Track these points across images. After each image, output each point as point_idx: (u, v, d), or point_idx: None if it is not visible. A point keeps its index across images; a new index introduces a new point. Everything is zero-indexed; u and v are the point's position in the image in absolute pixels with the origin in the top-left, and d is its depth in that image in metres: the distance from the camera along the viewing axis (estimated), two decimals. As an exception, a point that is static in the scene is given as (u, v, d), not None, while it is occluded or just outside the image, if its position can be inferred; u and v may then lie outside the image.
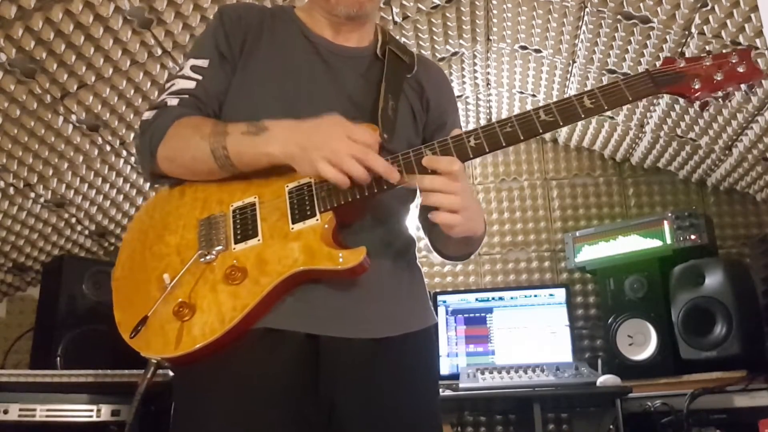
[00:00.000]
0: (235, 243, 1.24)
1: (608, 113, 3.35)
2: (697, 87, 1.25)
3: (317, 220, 1.23)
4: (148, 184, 3.11)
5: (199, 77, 1.37)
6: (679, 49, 2.59)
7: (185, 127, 1.30)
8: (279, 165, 1.24)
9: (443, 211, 1.19)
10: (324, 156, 1.17)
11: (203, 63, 1.38)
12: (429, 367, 1.44)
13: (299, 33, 1.44)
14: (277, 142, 1.22)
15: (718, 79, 1.25)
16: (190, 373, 1.23)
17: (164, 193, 1.37)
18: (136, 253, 1.32)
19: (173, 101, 1.34)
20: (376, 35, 1.50)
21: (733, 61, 1.25)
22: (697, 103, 1.27)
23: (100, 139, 2.72)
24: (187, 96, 1.35)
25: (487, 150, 1.23)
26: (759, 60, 2.43)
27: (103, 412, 2.41)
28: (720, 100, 1.26)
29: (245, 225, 1.26)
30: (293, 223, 1.24)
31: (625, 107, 3.22)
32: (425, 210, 1.44)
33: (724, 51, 1.28)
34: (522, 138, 1.23)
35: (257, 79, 1.38)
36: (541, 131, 1.23)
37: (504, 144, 1.23)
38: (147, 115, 1.35)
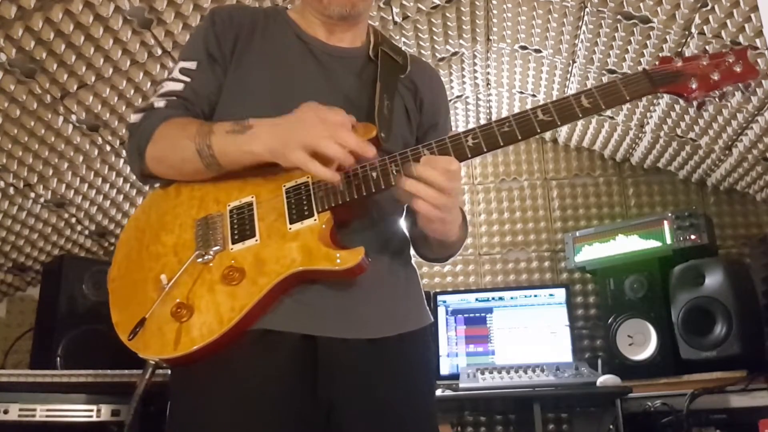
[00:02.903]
0: (233, 243, 1.24)
1: (608, 113, 3.35)
2: (694, 86, 1.25)
3: (315, 220, 1.23)
4: (147, 185, 3.10)
5: (188, 79, 1.37)
6: (679, 49, 2.58)
7: (172, 127, 1.30)
8: (264, 162, 1.24)
9: (429, 205, 1.19)
10: (299, 145, 1.17)
11: (191, 65, 1.38)
12: (425, 367, 1.44)
13: (292, 34, 1.44)
14: (259, 140, 1.22)
15: (715, 78, 1.25)
16: (188, 374, 1.23)
17: (160, 192, 1.37)
18: (132, 253, 1.32)
19: (160, 103, 1.35)
20: (369, 36, 1.50)
21: (730, 60, 1.25)
22: (695, 102, 1.27)
23: (100, 139, 2.72)
24: (174, 98, 1.36)
25: (485, 150, 1.23)
26: (759, 60, 2.43)
27: (103, 412, 2.41)
28: (717, 99, 1.26)
29: (242, 225, 1.26)
30: (291, 223, 1.24)
31: (624, 107, 3.22)
32: (410, 211, 1.44)
33: (721, 50, 1.28)
34: (520, 138, 1.23)
35: (250, 80, 1.38)
36: (539, 131, 1.23)
37: (502, 144, 1.23)
38: (135, 117, 1.36)
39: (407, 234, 1.49)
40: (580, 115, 1.23)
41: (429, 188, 1.18)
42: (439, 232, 1.27)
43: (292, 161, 1.19)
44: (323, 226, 1.22)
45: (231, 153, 1.25)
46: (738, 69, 1.24)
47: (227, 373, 1.20)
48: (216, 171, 1.28)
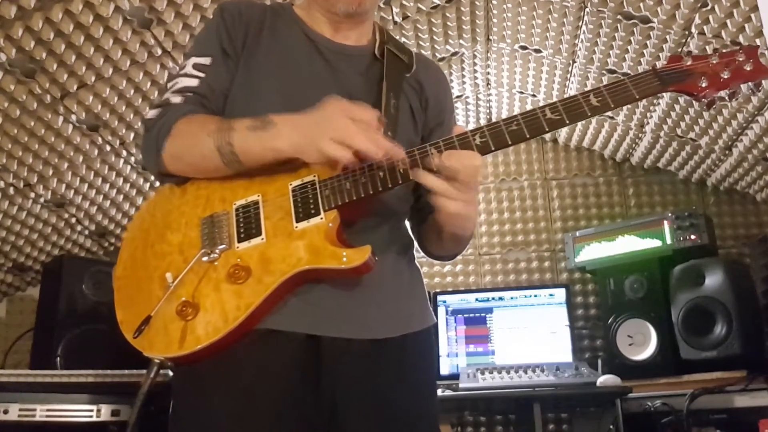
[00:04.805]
0: (239, 242, 1.24)
1: (609, 113, 3.35)
2: (704, 85, 1.24)
3: (321, 218, 1.22)
4: (148, 184, 3.11)
5: (203, 75, 1.36)
6: (679, 49, 2.59)
7: (191, 124, 1.29)
8: (285, 160, 1.24)
9: (451, 199, 1.20)
10: (329, 138, 1.16)
11: (206, 60, 1.37)
12: (428, 368, 1.44)
13: (299, 31, 1.44)
14: (283, 137, 1.21)
15: (725, 77, 1.23)
16: (191, 373, 1.23)
17: (166, 191, 1.36)
18: (137, 252, 1.31)
19: (177, 99, 1.33)
20: (375, 34, 1.49)
21: (740, 59, 1.24)
22: (704, 101, 1.26)
23: (100, 139, 2.71)
24: (191, 94, 1.34)
25: (493, 148, 1.22)
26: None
27: (103, 412, 2.41)
28: (727, 98, 1.25)
29: (248, 223, 1.25)
30: (297, 221, 1.23)
31: (625, 107, 3.23)
32: (416, 209, 1.44)
33: (731, 49, 1.27)
34: (528, 136, 1.22)
35: (259, 77, 1.37)
36: (547, 129, 1.22)
37: (510, 142, 1.22)
38: (152, 113, 1.34)
39: (412, 232, 1.49)
40: (589, 114, 1.22)
41: (451, 183, 1.19)
42: (459, 225, 1.28)
43: (325, 153, 1.16)
44: (330, 224, 1.22)
45: (253, 150, 1.23)
46: (748, 68, 1.23)
47: (231, 373, 1.19)
48: (236, 169, 1.27)
